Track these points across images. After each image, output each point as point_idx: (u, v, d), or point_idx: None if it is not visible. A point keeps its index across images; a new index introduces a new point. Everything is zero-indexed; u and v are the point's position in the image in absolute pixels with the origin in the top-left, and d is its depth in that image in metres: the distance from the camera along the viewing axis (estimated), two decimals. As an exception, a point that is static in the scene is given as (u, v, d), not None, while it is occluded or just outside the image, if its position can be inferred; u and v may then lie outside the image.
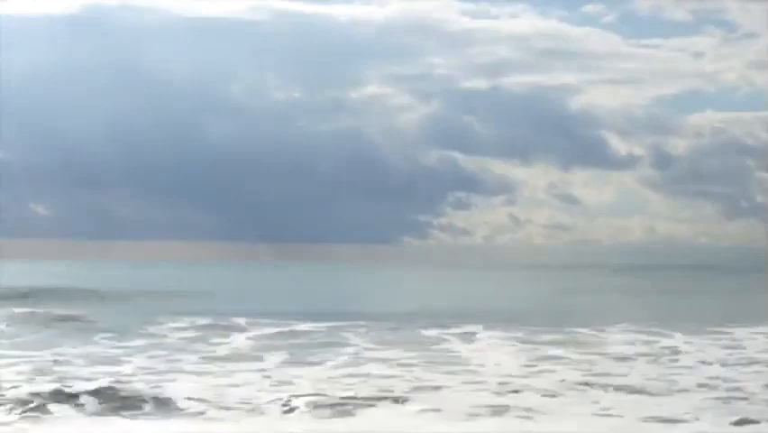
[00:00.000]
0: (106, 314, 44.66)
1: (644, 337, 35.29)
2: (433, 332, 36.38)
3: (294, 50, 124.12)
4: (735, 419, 19.50)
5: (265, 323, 38.88)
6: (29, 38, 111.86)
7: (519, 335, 34.41)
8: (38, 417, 19.15)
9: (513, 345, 31.52)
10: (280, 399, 20.89)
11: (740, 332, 36.93)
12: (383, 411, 20.08)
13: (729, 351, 31.06)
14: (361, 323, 39.01)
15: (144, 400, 20.43)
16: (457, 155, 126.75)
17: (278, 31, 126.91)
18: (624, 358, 29.47)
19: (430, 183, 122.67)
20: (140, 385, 22.04)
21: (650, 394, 22.95)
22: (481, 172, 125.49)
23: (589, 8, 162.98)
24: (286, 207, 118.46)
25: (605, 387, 23.63)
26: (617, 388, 23.59)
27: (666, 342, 33.65)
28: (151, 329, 36.67)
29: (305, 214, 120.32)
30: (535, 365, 27.44)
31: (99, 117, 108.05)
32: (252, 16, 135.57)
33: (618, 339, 34.75)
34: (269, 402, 20.70)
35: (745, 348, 31.97)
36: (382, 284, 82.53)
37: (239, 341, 33.21)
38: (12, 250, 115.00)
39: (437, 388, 23.14)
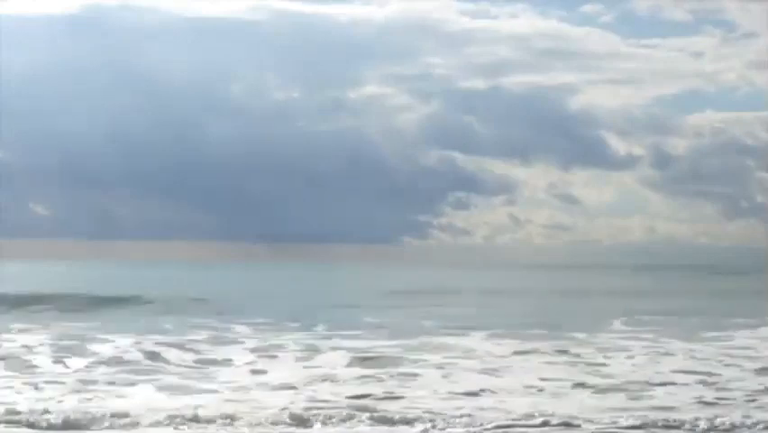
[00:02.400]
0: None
1: (642, 338, 35.28)
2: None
3: (294, 50, 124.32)
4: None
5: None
6: (29, 38, 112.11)
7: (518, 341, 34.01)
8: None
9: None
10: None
11: (740, 333, 36.94)
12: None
13: (728, 351, 31.04)
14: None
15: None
16: (457, 155, 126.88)
17: (277, 31, 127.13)
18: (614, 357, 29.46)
19: (430, 183, 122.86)
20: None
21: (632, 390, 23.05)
22: (481, 172, 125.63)
23: (587, 8, 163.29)
24: (286, 207, 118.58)
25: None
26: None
27: (664, 342, 33.64)
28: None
29: (305, 214, 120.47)
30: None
31: (99, 117, 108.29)
32: (252, 16, 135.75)
33: (615, 339, 34.73)
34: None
35: (744, 349, 31.96)
36: (380, 285, 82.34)
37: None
38: (12, 250, 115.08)
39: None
